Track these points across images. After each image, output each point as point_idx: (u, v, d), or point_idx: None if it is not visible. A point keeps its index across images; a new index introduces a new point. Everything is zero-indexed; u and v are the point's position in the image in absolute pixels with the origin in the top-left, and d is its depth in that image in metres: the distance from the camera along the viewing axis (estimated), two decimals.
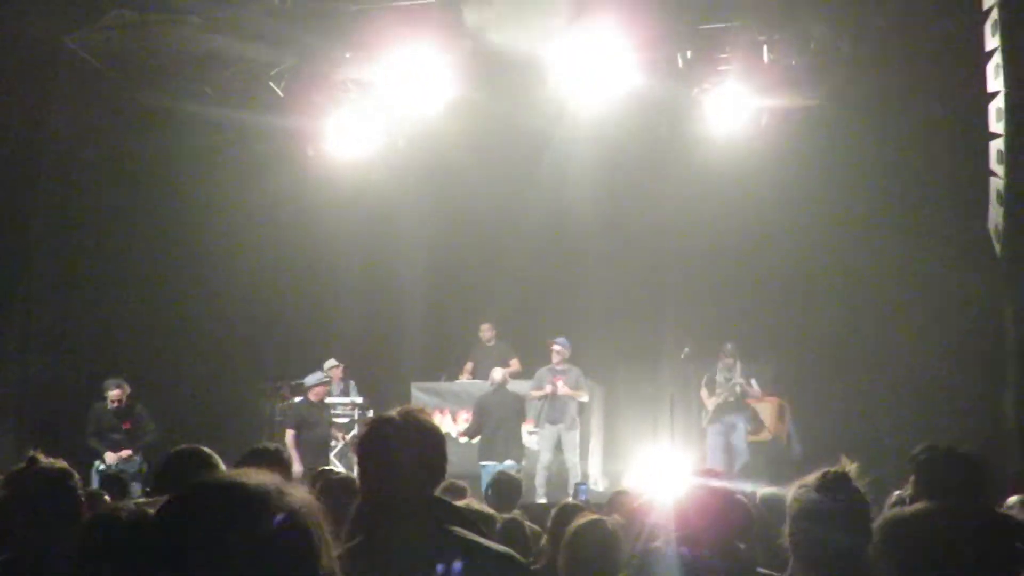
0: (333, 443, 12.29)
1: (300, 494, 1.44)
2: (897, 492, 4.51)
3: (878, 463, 3.84)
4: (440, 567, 2.56)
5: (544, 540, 5.08)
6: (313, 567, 1.38)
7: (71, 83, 12.10)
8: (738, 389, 12.32)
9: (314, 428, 11.53)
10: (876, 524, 2.74)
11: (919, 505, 3.40)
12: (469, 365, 13.88)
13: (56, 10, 11.39)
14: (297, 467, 10.89)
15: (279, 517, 1.35)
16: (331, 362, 12.90)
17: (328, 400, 12.48)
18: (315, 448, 11.33)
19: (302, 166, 13.65)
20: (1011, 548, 2.69)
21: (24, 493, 3.43)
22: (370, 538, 2.66)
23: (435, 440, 2.75)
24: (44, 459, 3.54)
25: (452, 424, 12.89)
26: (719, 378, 12.44)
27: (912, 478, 3.89)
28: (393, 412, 2.76)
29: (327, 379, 12.35)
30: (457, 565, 2.58)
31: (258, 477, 1.42)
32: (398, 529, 2.61)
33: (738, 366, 12.38)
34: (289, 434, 11.35)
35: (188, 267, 13.37)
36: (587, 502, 7.67)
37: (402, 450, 2.66)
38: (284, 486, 1.42)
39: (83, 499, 3.70)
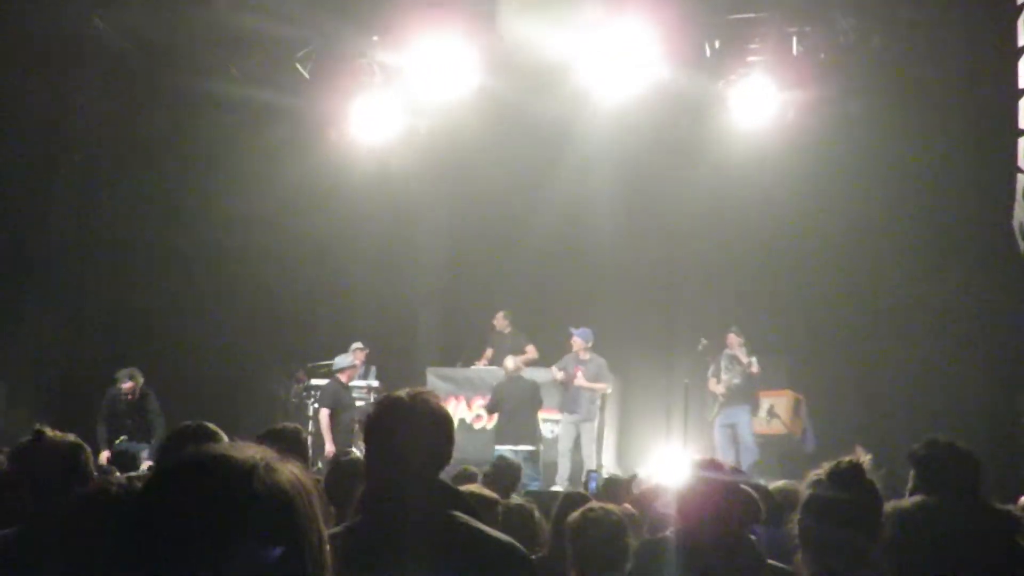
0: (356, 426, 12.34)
1: (290, 469, 1.39)
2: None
3: (891, 460, 3.81)
4: (442, 554, 2.54)
5: (547, 528, 5.06)
6: (298, 544, 1.35)
7: (97, 63, 12.17)
8: (729, 350, 12.15)
9: (347, 410, 11.56)
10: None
11: (917, 498, 3.37)
12: (489, 352, 13.88)
13: None
14: (330, 447, 10.96)
15: (263, 492, 1.32)
16: (357, 344, 12.88)
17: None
18: (345, 430, 11.36)
19: (324, 149, 13.66)
20: (1010, 543, 2.66)
21: (32, 466, 3.42)
22: (372, 518, 2.64)
23: (443, 423, 2.72)
24: (51, 433, 3.53)
25: (467, 410, 12.93)
26: (725, 364, 12.36)
27: (912, 472, 3.85)
28: (402, 392, 2.73)
29: (357, 363, 12.39)
30: (459, 552, 2.57)
31: (246, 451, 1.37)
32: (400, 511, 2.59)
33: (743, 349, 12.23)
34: (324, 413, 11.36)
35: (206, 248, 13.42)
36: (596, 489, 7.67)
37: (409, 431, 2.63)
38: (273, 461, 1.38)
39: (94, 474, 3.69)
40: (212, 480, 1.33)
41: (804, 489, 3.05)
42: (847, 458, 3.01)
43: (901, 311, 12.02)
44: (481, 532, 2.63)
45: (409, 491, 2.60)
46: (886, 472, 3.20)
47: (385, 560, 2.47)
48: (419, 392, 2.73)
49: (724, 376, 12.27)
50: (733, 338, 12.28)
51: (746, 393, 12.24)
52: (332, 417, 11.30)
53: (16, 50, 10.98)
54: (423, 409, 2.67)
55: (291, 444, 4.39)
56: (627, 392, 13.97)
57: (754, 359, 12.16)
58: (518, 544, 2.68)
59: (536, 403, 11.85)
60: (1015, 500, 5.35)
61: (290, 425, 5.16)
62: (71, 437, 3.62)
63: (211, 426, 3.71)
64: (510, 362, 12.02)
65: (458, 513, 2.64)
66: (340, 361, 11.97)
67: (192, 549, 1.27)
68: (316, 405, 12.06)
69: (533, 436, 11.75)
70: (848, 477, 2.95)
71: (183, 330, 13.29)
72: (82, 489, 2.83)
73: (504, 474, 6.96)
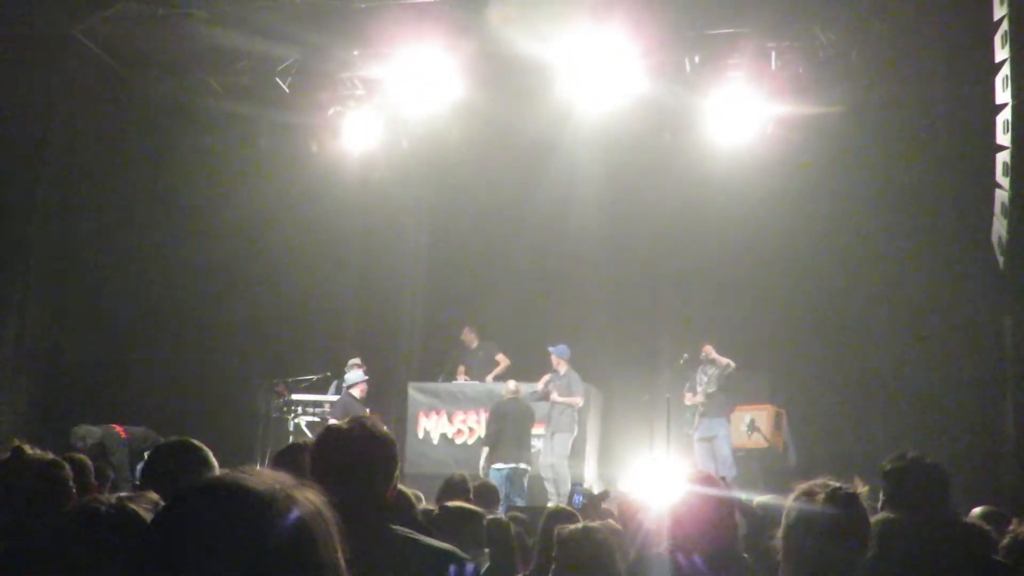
0: None
1: (309, 497, 1.37)
2: None
3: (872, 475, 3.81)
4: (375, 565, 2.55)
5: (532, 543, 5.04)
6: (317, 573, 1.32)
7: (77, 75, 12.13)
8: (706, 357, 12.18)
9: None
10: None
11: (882, 515, 3.36)
12: (462, 368, 13.85)
13: (65, 1, 11.42)
14: None
15: (283, 522, 1.29)
16: (355, 360, 12.79)
17: (322, 397, 12.62)
18: None
19: (305, 163, 13.63)
20: (978, 559, 2.66)
21: (12, 484, 3.37)
22: None
23: (385, 447, 2.77)
24: (30, 451, 3.48)
25: (448, 425, 12.91)
26: (699, 377, 12.38)
27: (881, 487, 3.85)
28: (342, 422, 2.82)
29: (367, 377, 12.37)
30: (392, 561, 2.58)
31: (263, 478, 1.34)
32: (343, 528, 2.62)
33: (717, 361, 12.22)
34: None
35: (186, 262, 13.35)
36: (582, 503, 7.66)
37: (350, 459, 2.69)
38: (291, 489, 1.35)
39: (74, 491, 3.65)
40: (230, 509, 1.29)
41: (791, 504, 3.00)
42: (843, 487, 2.96)
43: (882, 325, 12.06)
44: (418, 540, 2.68)
45: (355, 512, 2.61)
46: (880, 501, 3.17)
47: None
48: (359, 419, 2.80)
49: (699, 388, 12.30)
50: (708, 348, 12.33)
51: (723, 404, 12.24)
52: None
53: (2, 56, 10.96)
54: (365, 436, 2.72)
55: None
56: (609, 406, 13.96)
57: (730, 363, 12.17)
58: (457, 551, 2.71)
59: (533, 420, 12.08)
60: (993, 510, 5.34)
61: (310, 442, 5.10)
62: (50, 455, 3.57)
63: (194, 442, 3.67)
64: (512, 384, 12.17)
65: (396, 527, 2.68)
66: (352, 377, 12.10)
67: None
68: (328, 419, 12.08)
69: (529, 453, 11.92)
70: (844, 504, 2.91)
71: (164, 343, 13.22)
72: (71, 506, 2.79)
73: (485, 497, 6.89)
